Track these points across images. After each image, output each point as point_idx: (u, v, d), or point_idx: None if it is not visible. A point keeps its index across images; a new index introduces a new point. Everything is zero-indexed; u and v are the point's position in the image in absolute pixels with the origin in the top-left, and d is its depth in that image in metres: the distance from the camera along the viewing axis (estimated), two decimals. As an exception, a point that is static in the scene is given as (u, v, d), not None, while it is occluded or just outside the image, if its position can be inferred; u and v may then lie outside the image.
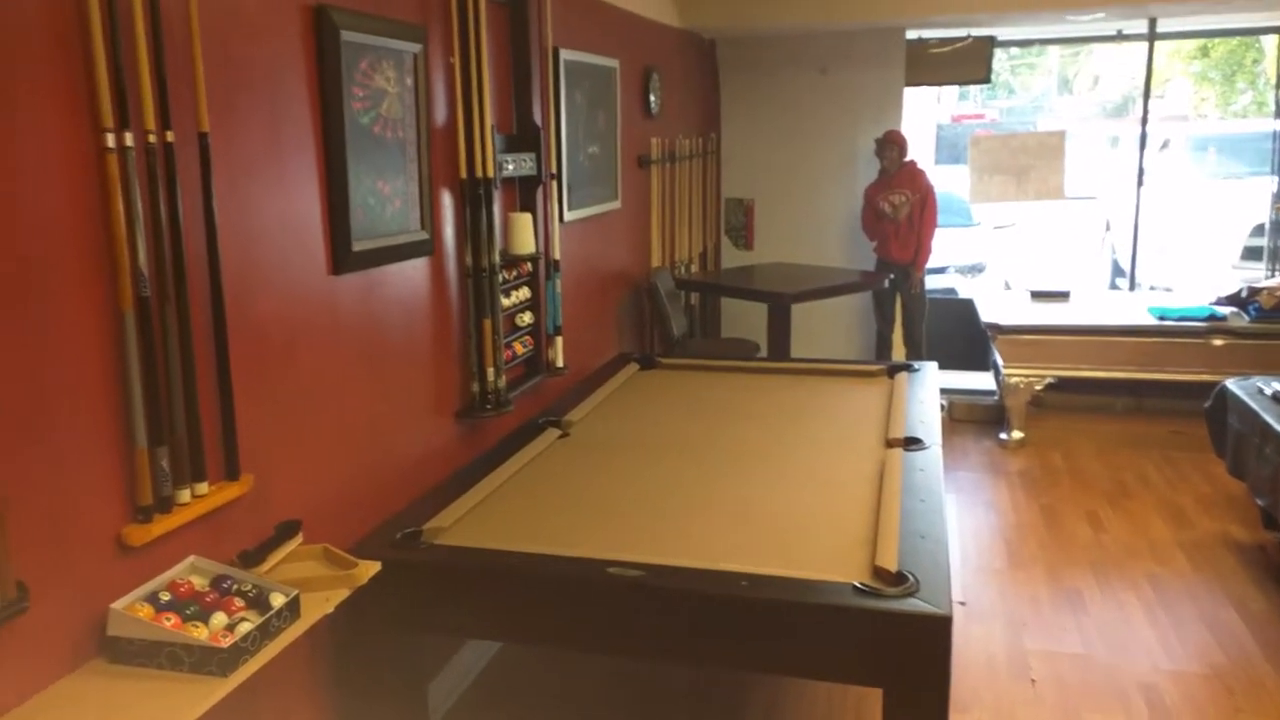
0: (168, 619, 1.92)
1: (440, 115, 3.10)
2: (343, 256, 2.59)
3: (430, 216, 3.01)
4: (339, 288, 2.63)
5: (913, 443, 3.30)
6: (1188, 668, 3.48)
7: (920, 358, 5.95)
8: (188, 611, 1.97)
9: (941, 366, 4.56)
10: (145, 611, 1.92)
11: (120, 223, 1.85)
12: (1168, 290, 7.95)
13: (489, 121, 3.21)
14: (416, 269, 3.01)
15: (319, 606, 2.17)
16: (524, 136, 3.68)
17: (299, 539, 2.39)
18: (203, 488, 2.13)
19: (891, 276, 6.33)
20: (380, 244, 2.75)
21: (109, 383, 1.90)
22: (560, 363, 3.97)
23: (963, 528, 4.71)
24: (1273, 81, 9.21)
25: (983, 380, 6.66)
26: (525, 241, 3.58)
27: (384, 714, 2.62)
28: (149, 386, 1.95)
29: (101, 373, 1.89)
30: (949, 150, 13.76)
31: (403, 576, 2.50)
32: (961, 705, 3.23)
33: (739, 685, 3.39)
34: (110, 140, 1.83)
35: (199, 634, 1.92)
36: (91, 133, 1.83)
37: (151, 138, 1.92)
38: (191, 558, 2.13)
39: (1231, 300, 5.92)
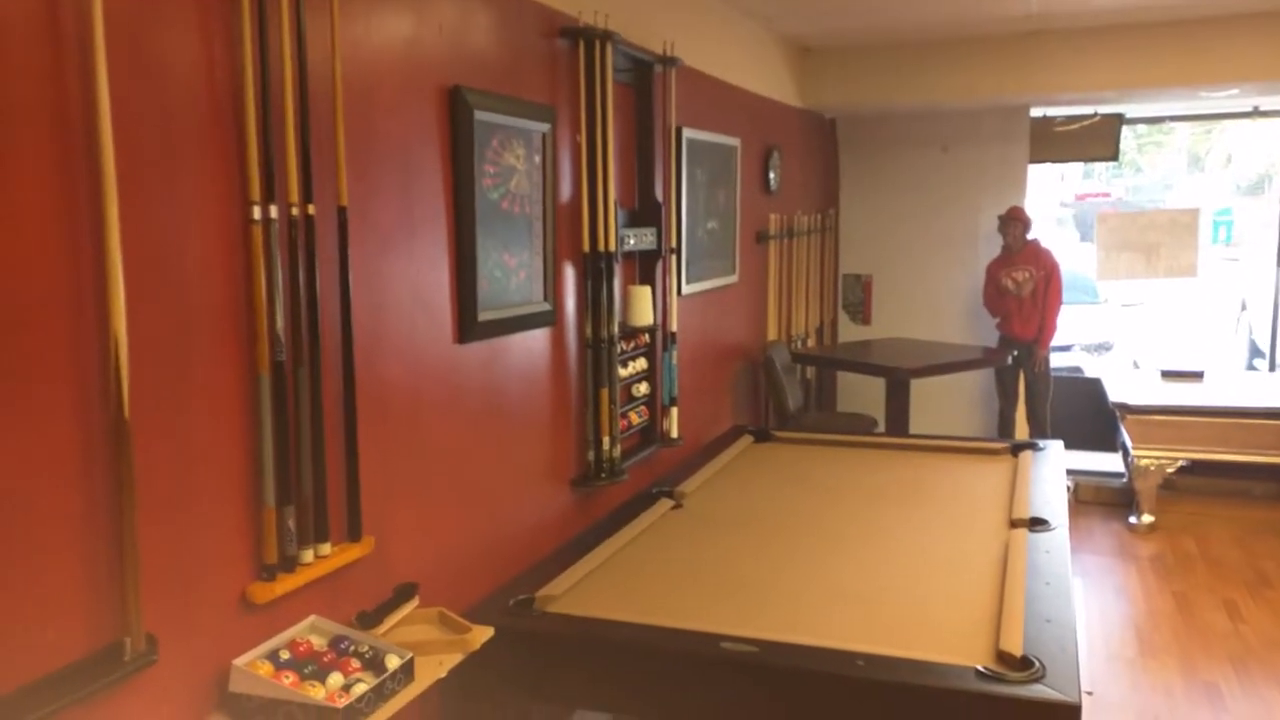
0: (286, 677, 1.96)
1: (566, 191, 3.19)
2: (468, 326, 2.67)
3: (553, 288, 3.08)
4: (463, 356, 2.71)
5: (1038, 523, 3.18)
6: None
7: (1045, 437, 5.75)
8: (306, 670, 2.02)
9: (1066, 446, 4.40)
10: (265, 669, 1.97)
11: (261, 290, 1.95)
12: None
13: (612, 197, 3.29)
14: (538, 339, 3.07)
15: (433, 670, 2.20)
16: (645, 211, 3.75)
17: (415, 602, 2.43)
18: (326, 548, 2.19)
19: (1015, 353, 6.17)
20: (504, 314, 2.83)
21: (243, 443, 1.98)
22: (675, 433, 3.97)
23: (1090, 614, 4.49)
24: None
25: (1110, 462, 6.40)
26: (644, 313, 3.63)
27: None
28: (280, 448, 2.03)
29: (237, 433, 1.97)
30: (1079, 228, 13.44)
31: (514, 643, 2.51)
32: (1091, 805, 3.05)
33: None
34: (256, 213, 1.93)
35: (316, 693, 1.96)
36: (240, 205, 1.94)
37: (294, 210, 2.03)
38: (312, 617, 2.18)
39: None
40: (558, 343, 3.18)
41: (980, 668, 2.20)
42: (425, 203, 2.51)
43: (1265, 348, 7.41)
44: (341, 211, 2.16)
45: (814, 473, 3.98)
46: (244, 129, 1.93)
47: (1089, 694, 3.71)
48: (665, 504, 3.50)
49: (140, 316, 1.73)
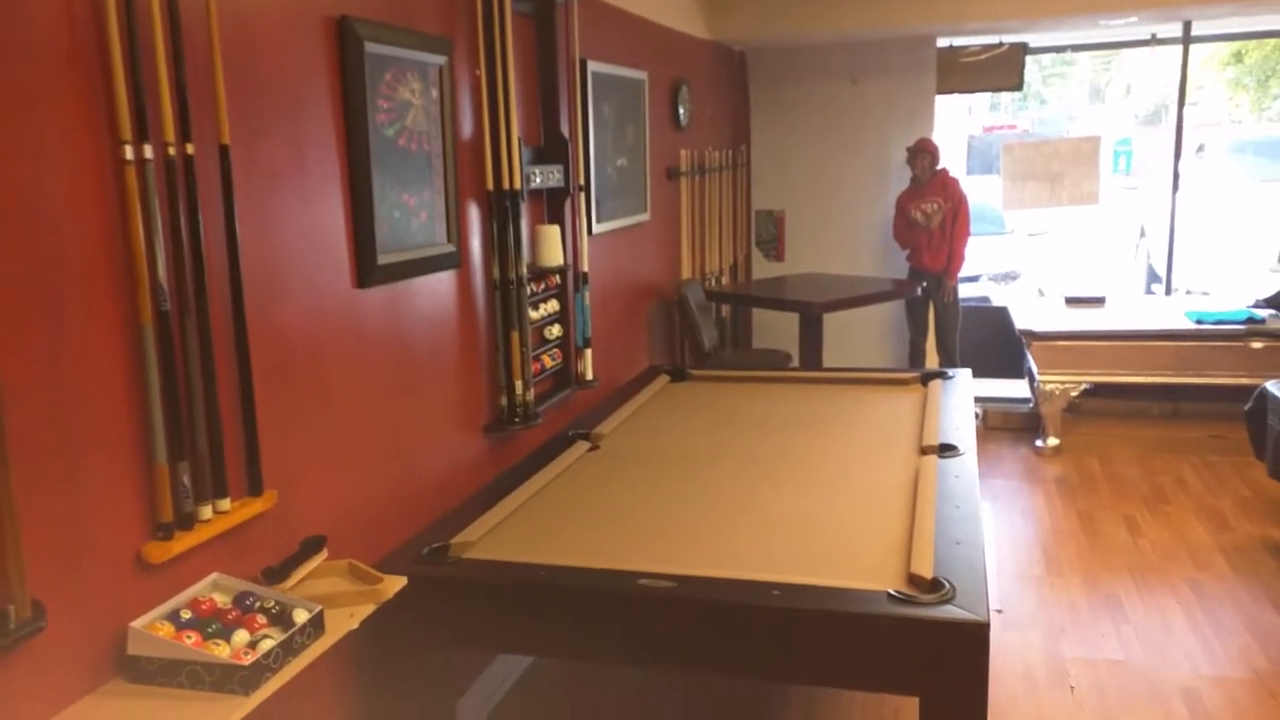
0: (188, 637, 1.90)
1: (466, 128, 3.09)
2: (368, 270, 2.58)
3: (457, 229, 3.00)
4: (364, 301, 2.62)
5: (947, 450, 3.24)
6: (1229, 672, 3.39)
7: (954, 366, 5.86)
8: (209, 629, 1.95)
9: (975, 374, 4.49)
10: (165, 630, 1.90)
11: (139, 236, 1.85)
12: (1204, 294, 7.80)
13: (515, 133, 3.19)
14: (443, 282, 2.99)
15: (344, 622, 2.15)
16: (551, 149, 3.67)
17: (324, 555, 2.37)
18: (225, 504, 2.11)
19: (924, 285, 6.26)
20: (406, 257, 2.74)
21: (128, 398, 1.89)
22: (590, 375, 3.94)
23: (999, 535, 4.62)
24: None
25: (1017, 388, 6.57)
26: (553, 254, 3.56)
27: (413, 731, 2.58)
28: (169, 401, 1.94)
29: (121, 387, 1.87)
30: (981, 160, 13.64)
31: (430, 591, 2.47)
32: (1000, 713, 3.15)
33: (773, 696, 3.33)
34: (128, 153, 1.82)
35: (220, 652, 1.90)
36: (110, 145, 1.82)
37: (171, 150, 1.92)
38: (214, 575, 2.11)
39: (1270, 302, 5.80)
40: (464, 285, 3.10)
41: (892, 591, 2.23)
42: (316, 141, 2.40)
43: (1162, 273, 7.63)
44: (224, 151, 2.05)
45: (730, 409, 3.99)
46: (109, 63, 1.80)
47: (998, 612, 3.82)
48: (582, 446, 3.48)
49: (2, 270, 1.62)
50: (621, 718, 3.28)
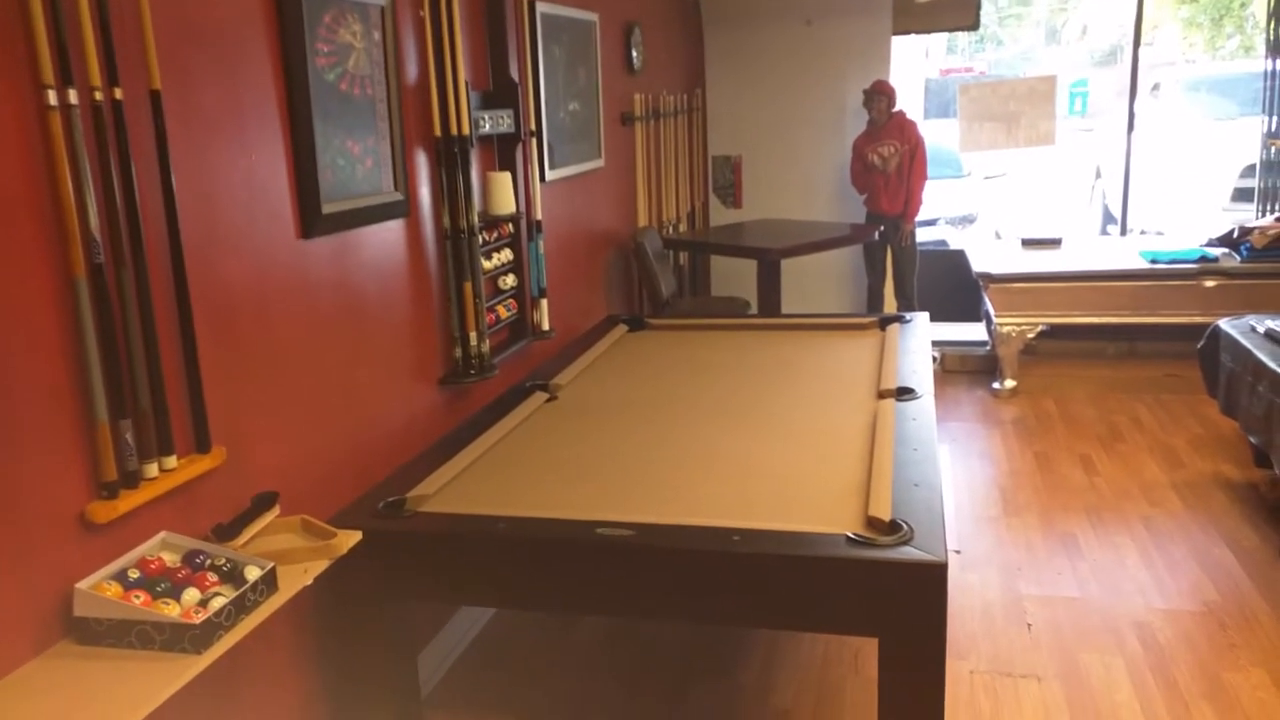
0: (137, 597, 1.86)
1: (411, 72, 3.00)
2: (312, 219, 2.51)
3: (404, 177, 2.93)
4: (310, 252, 2.55)
5: (905, 393, 3.24)
6: (1181, 605, 3.45)
7: (912, 310, 5.88)
8: (158, 589, 1.91)
9: (933, 318, 4.50)
10: (113, 590, 1.86)
11: (67, 185, 1.77)
12: (1159, 234, 7.87)
13: (462, 77, 3.11)
14: (392, 231, 2.93)
15: (298, 579, 2.11)
16: (500, 93, 3.58)
17: (276, 511, 2.33)
18: (171, 461, 2.06)
19: (881, 229, 6.25)
20: (352, 206, 2.67)
21: (65, 354, 1.83)
22: (546, 326, 3.89)
23: (956, 478, 4.67)
24: (1261, 24, 9.07)
25: (975, 331, 6.61)
26: (505, 201, 3.50)
27: (374, 685, 2.57)
28: (108, 357, 1.88)
29: (56, 344, 1.81)
30: (938, 104, 13.62)
31: (386, 546, 2.44)
32: (959, 652, 3.19)
33: (735, 641, 3.35)
34: (52, 98, 1.74)
35: (170, 611, 1.86)
36: (32, 90, 1.74)
37: (98, 95, 1.83)
38: (162, 534, 2.06)
39: (1223, 241, 5.85)
40: (414, 235, 3.04)
41: (850, 534, 2.23)
42: (253, 86, 2.32)
43: (1117, 214, 7.69)
44: (155, 96, 1.97)
45: (689, 358, 3.97)
46: (27, 1, 1.71)
47: (956, 553, 3.86)
48: (540, 397, 3.44)
49: (-80, 219, 1.55)
50: (585, 667, 3.29)
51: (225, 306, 2.25)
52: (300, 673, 2.57)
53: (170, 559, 2.04)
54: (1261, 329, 4.16)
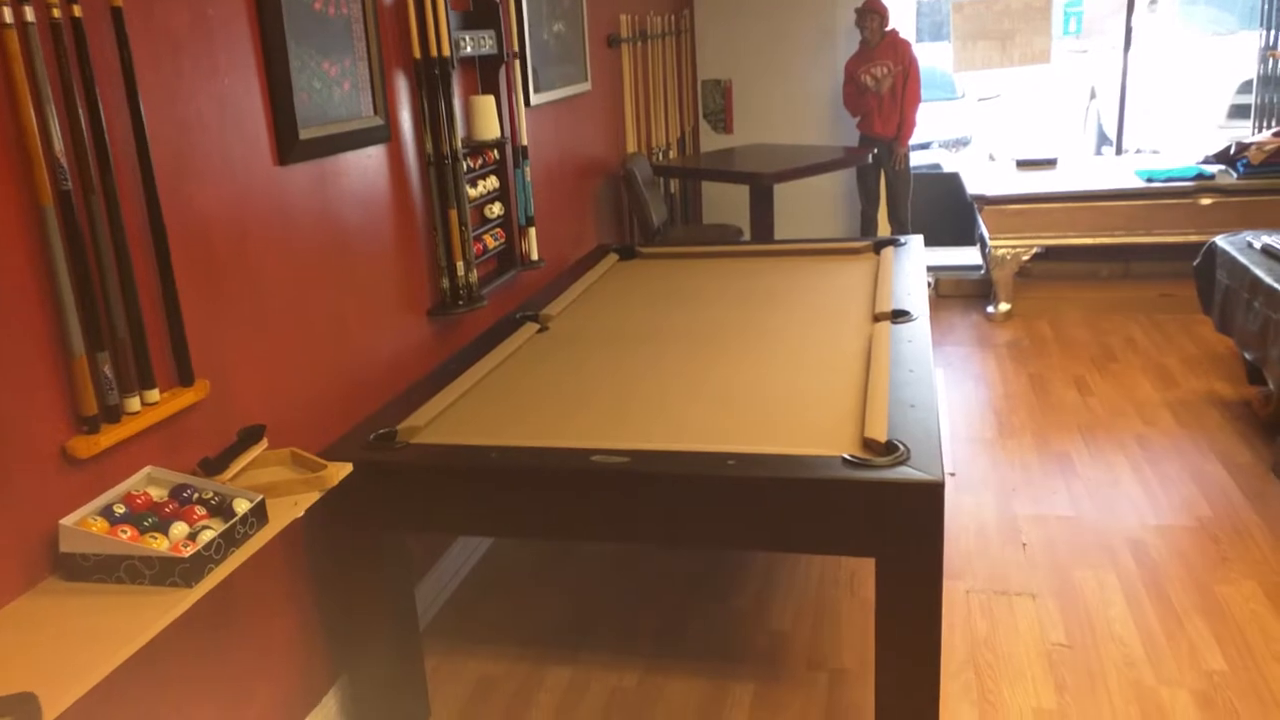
0: (124, 532, 1.83)
1: (387, -9, 2.90)
2: (289, 145, 2.43)
3: (384, 101, 2.84)
4: (289, 179, 2.48)
5: (900, 315, 3.20)
6: (1174, 521, 3.46)
7: (906, 234, 5.82)
8: (146, 523, 1.88)
9: (927, 243, 4.44)
10: (99, 525, 1.83)
11: (29, 109, 1.70)
12: (1155, 153, 7.78)
13: (440, -3, 3.01)
14: (373, 158, 2.85)
15: (288, 511, 2.08)
16: (482, 12, 3.47)
17: (264, 444, 2.29)
18: (153, 395, 2.02)
19: (875, 152, 6.15)
20: (330, 131, 2.59)
21: (37, 286, 1.77)
22: (535, 255, 3.83)
23: (952, 400, 4.65)
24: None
25: (969, 256, 6.56)
26: (489, 126, 3.41)
27: (372, 616, 2.56)
28: (81, 288, 1.82)
29: (27, 275, 1.75)
30: (930, 24, 13.36)
31: (379, 478, 2.42)
32: (954, 572, 3.20)
33: (731, 566, 3.35)
34: (7, 15, 1.66)
35: (158, 545, 1.83)
36: (-14, 8, 1.66)
37: (56, 12, 1.75)
38: (148, 468, 2.03)
39: (1219, 158, 5.78)
40: (396, 161, 2.96)
41: (847, 456, 2.20)
42: (221, 3, 2.22)
43: (1112, 134, 7.58)
44: (116, 14, 1.88)
45: (681, 286, 3.91)
46: (-24, -87, 1.63)
47: (952, 475, 3.86)
48: (530, 328, 3.40)
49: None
50: (582, 595, 3.29)
51: (203, 235, 2.19)
52: (297, 605, 2.55)
53: (157, 493, 2.01)
54: (1258, 244, 4.11)
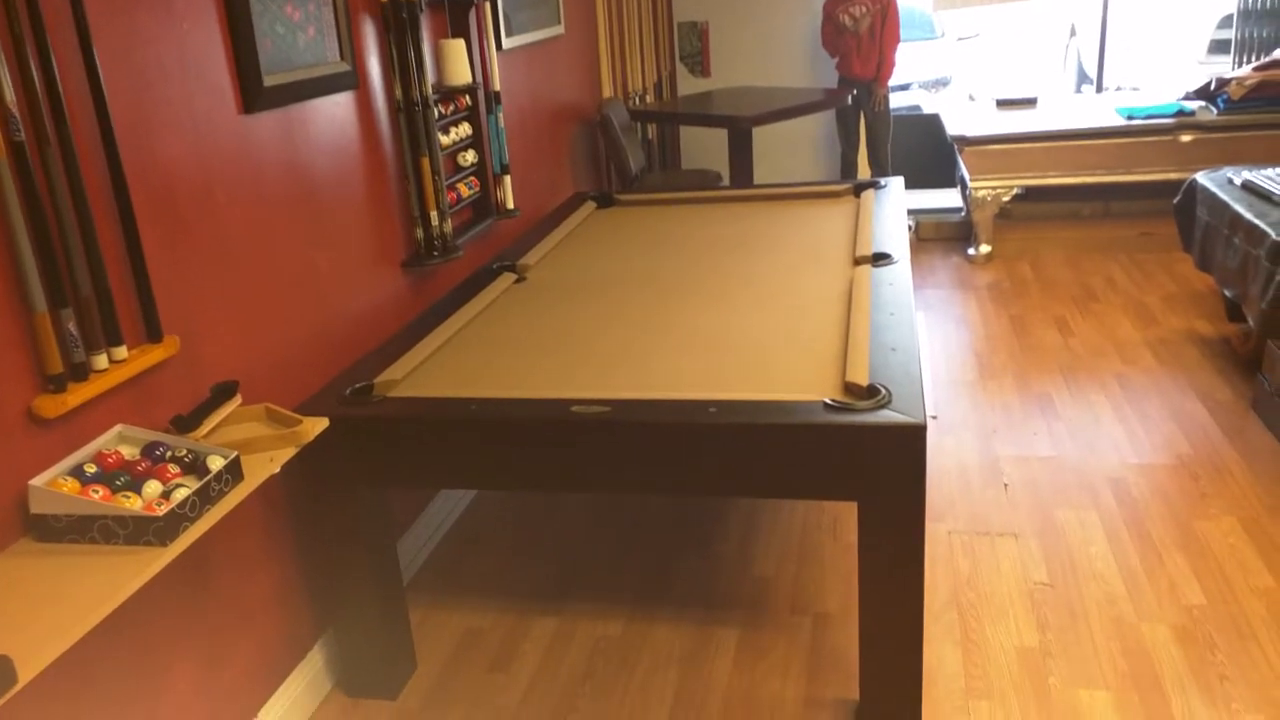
0: (95, 491, 1.79)
1: (350, -68, 2.81)
2: (253, 93, 2.36)
3: (350, 46, 2.77)
4: (254, 128, 2.42)
5: (881, 258, 3.17)
6: (1155, 460, 3.48)
7: (886, 176, 5.77)
8: (118, 482, 1.85)
9: (907, 185, 4.40)
10: (70, 486, 1.79)
11: (-24, 57, 1.63)
12: (1135, 90, 7.73)
13: (406, -63, 2.92)
14: (340, 105, 2.78)
15: (264, 467, 2.05)
16: (449, -45, 3.39)
17: (237, 400, 2.25)
18: (121, 352, 1.97)
19: (854, 94, 6.08)
20: (295, 78, 2.52)
21: (-6, 241, 1.72)
22: (511, 204, 3.77)
23: (932, 344, 4.65)
24: None
25: (949, 198, 6.52)
26: (460, 71, 3.34)
27: (354, 571, 2.54)
28: (41, 243, 1.77)
29: (-17, 230, 1.70)
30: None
31: (355, 432, 2.39)
32: (936, 514, 3.21)
33: (714, 514, 3.35)
34: (-52, -41, 1.59)
35: (132, 504, 1.80)
36: (-75, -48, 1.59)
37: (-2, -46, 1.68)
38: (119, 427, 1.99)
39: (1200, 94, 5.74)
40: (365, 108, 2.89)
41: (828, 400, 2.19)
42: (177, -53, 2.15)
43: (1092, 73, 7.52)
44: (64, -44, 1.81)
45: (659, 233, 3.87)
46: None
47: (933, 418, 3.86)
48: (508, 278, 3.35)
49: None
50: (567, 546, 3.29)
51: (166, 188, 2.13)
52: (278, 562, 2.53)
53: (129, 452, 1.98)
54: (1239, 181, 4.10)
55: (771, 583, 2.98)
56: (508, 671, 2.72)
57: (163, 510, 1.78)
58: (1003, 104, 6.35)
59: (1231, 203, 3.91)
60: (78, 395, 1.87)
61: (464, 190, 3.46)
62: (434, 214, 3.13)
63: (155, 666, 2.12)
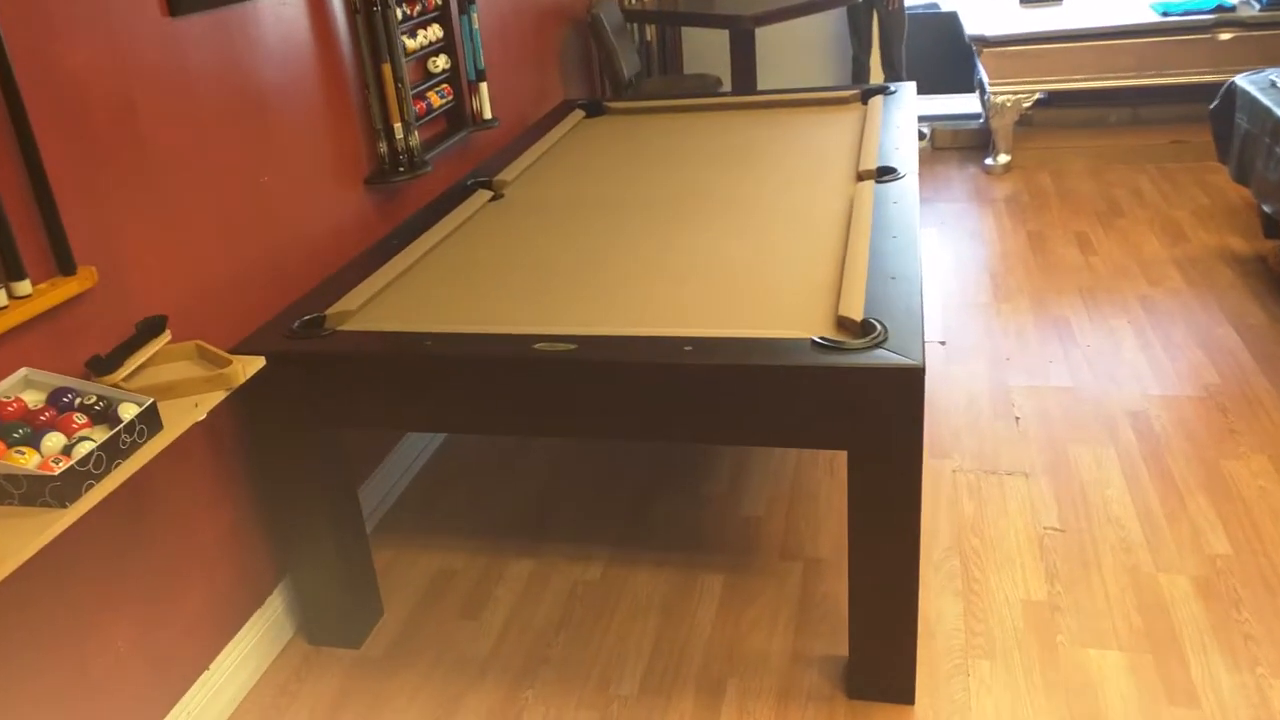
0: (-15, 447, 1.60)
1: None
2: (177, -8, 2.10)
3: (295, -61, 2.49)
4: (183, 32, 2.16)
5: (886, 173, 2.91)
6: (1179, 391, 3.24)
7: (899, 80, 5.43)
8: (15, 435, 1.65)
9: (923, 90, 4.10)
10: (-46, 441, 1.60)
11: None
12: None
13: None
14: (288, 5, 2.51)
15: (188, 414, 1.85)
16: None
17: (166, 337, 2.04)
18: (24, 287, 1.76)
19: (866, -9, 5.70)
20: (228, -25, 2.25)
21: None
22: (488, 114, 3.50)
23: (944, 263, 4.38)
24: None
25: (967, 104, 6.17)
26: (426, -32, 3.04)
27: (310, 516, 2.36)
28: (-95, 167, 1.54)
29: None
30: None
31: (303, 370, 2.18)
32: (941, 450, 3.01)
33: (703, 447, 3.16)
34: None
35: (26, 461, 1.60)
36: None
37: None
38: (23, 370, 1.79)
39: (1242, -11, 5.34)
40: (316, 9, 2.62)
41: (816, 338, 1.96)
42: None
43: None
44: None
45: (651, 145, 3.59)
46: None
47: (942, 344, 3.63)
48: (482, 196, 3.10)
49: None
50: (541, 487, 3.11)
51: (79, 101, 1.89)
52: (231, 504, 2.35)
53: (33, 399, 1.77)
54: (1282, 85, 3.77)
55: (761, 525, 2.80)
56: (479, 618, 2.56)
57: (61, 468, 1.59)
58: (1026, 1, 5.95)
59: (1275, 108, 3.59)
60: (-31, 337, 1.66)
61: (435, 100, 3.18)
62: (398, 126, 2.87)
63: (94, 604, 1.95)
